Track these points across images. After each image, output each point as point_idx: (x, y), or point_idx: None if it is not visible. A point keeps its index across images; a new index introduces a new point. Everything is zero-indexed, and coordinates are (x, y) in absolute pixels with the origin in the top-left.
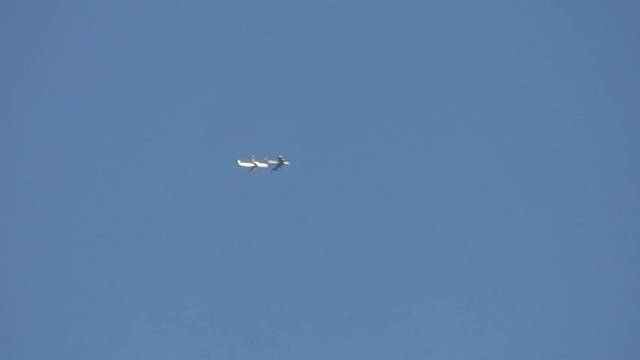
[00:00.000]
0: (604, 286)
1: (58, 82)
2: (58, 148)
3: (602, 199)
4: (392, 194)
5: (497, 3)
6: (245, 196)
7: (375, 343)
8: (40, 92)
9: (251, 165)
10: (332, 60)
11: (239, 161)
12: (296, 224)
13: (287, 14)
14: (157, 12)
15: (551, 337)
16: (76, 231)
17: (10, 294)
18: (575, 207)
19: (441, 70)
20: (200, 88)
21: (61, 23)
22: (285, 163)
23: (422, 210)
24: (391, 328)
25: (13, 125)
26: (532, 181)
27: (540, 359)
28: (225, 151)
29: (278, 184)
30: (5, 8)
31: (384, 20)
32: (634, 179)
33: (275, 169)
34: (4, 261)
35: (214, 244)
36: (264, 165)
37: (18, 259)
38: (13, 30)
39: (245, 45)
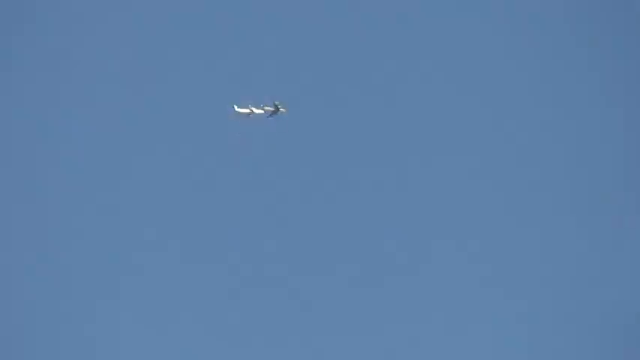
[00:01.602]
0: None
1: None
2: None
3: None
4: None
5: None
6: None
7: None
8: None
9: (247, 111)
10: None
11: (235, 107)
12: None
13: None
14: None
15: (549, 335)
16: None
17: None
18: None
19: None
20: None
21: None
22: (282, 110)
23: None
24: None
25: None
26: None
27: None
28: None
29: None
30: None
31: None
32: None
33: (271, 115)
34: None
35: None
36: (261, 111)
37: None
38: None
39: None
